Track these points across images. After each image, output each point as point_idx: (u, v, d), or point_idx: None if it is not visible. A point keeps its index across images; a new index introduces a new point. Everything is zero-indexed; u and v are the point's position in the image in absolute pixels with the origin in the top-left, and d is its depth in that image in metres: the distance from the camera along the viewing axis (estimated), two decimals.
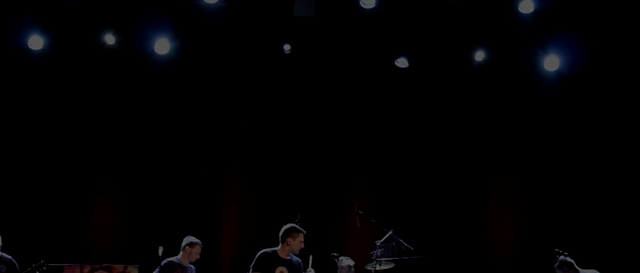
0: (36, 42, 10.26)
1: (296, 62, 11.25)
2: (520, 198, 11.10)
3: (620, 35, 10.34)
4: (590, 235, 10.48)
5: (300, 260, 7.66)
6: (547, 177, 10.99)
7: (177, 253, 8.56)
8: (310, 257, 8.55)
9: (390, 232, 8.94)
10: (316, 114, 11.41)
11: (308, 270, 8.35)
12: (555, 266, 7.64)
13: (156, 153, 11.10)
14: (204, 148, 11.23)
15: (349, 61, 11.21)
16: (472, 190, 11.24)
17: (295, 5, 10.18)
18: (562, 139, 11.00)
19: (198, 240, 8.59)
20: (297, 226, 7.58)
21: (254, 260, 7.46)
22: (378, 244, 8.92)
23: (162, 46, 10.54)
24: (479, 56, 10.88)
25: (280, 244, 7.51)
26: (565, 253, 7.69)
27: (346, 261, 9.25)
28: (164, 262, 8.33)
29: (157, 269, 8.33)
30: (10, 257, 8.65)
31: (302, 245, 7.53)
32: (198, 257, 8.58)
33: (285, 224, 7.64)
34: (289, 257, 7.51)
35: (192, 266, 8.62)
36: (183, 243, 8.58)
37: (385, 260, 9.05)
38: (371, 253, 9.03)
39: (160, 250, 8.16)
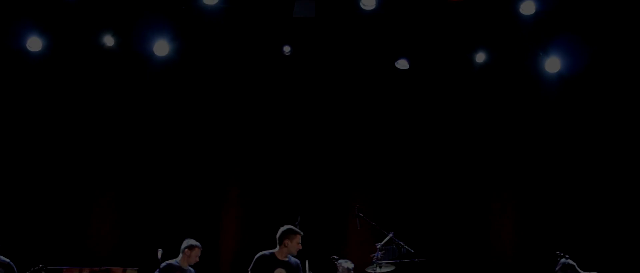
0: (35, 43, 10.23)
1: (296, 64, 11.23)
2: (521, 201, 11.08)
3: (621, 37, 10.32)
4: (592, 237, 10.46)
5: (298, 262, 7.63)
6: (548, 179, 10.97)
7: (176, 256, 8.52)
8: (307, 263, 8.52)
9: (390, 235, 8.92)
10: (316, 116, 11.39)
11: None
12: (557, 269, 7.62)
13: (155, 155, 11.10)
14: (203, 150, 11.22)
15: (349, 62, 11.19)
16: (473, 192, 11.21)
17: (295, 6, 10.16)
18: (564, 141, 10.97)
19: (197, 243, 8.56)
20: (294, 228, 7.57)
21: (253, 262, 7.45)
22: (378, 247, 8.90)
23: (162, 47, 10.51)
24: (480, 57, 10.84)
25: (277, 246, 7.49)
26: (567, 256, 7.68)
27: (346, 264, 9.25)
28: (163, 264, 8.30)
29: (156, 272, 8.28)
30: (8, 260, 8.59)
31: (300, 247, 7.51)
32: (197, 259, 8.55)
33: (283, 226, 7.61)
34: (287, 259, 7.49)
35: (191, 269, 8.59)
36: (182, 246, 8.55)
37: (386, 263, 9.04)
38: (371, 255, 9.01)
39: (160, 252, 8.12)
